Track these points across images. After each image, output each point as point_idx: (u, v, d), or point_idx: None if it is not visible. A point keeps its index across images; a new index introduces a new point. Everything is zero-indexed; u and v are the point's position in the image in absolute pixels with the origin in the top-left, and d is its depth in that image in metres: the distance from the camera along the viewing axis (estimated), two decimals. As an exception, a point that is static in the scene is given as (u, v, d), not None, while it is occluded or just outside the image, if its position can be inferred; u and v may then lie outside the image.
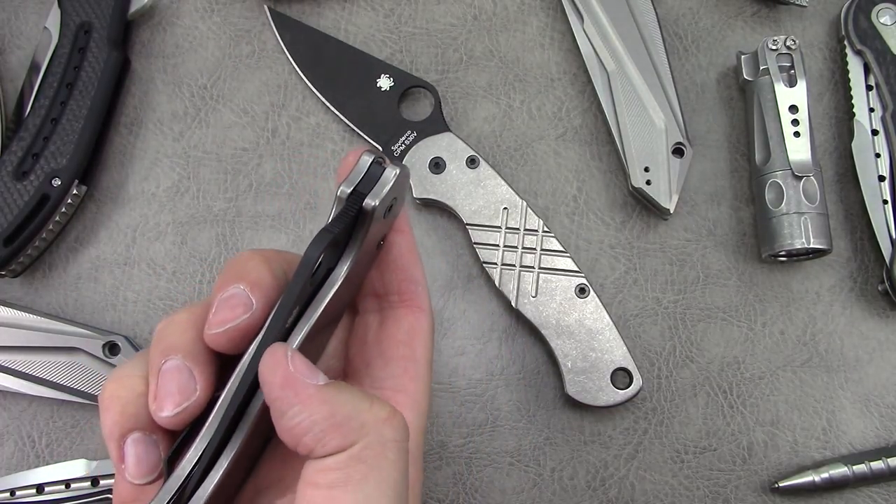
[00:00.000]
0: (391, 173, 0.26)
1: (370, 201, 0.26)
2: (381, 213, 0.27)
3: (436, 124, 0.50)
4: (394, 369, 0.30)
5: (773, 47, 0.48)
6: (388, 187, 0.26)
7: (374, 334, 0.31)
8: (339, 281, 0.26)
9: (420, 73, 0.52)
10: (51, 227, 0.48)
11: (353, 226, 0.27)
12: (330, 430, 0.23)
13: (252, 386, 0.25)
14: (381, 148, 0.50)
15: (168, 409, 0.25)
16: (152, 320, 0.50)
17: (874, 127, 0.49)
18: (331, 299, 0.26)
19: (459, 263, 0.50)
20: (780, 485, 0.46)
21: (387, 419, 0.24)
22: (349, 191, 0.26)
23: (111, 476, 0.46)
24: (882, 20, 0.50)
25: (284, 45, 0.52)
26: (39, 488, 0.46)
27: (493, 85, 0.53)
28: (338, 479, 0.23)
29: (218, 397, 0.25)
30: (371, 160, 0.26)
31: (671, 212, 0.48)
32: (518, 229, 0.48)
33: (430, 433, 0.48)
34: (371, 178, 0.26)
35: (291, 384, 0.23)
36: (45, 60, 0.50)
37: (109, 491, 0.46)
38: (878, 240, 0.48)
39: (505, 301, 0.48)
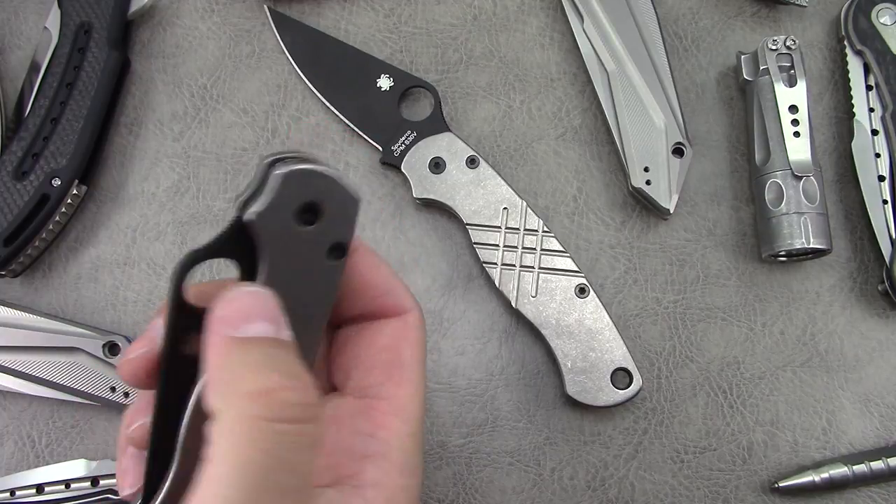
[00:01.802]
0: (277, 175, 0.23)
1: (250, 211, 0.23)
2: (277, 224, 0.24)
3: (436, 124, 0.50)
4: (377, 377, 0.28)
5: (773, 47, 0.48)
6: (270, 195, 0.23)
7: (353, 345, 0.30)
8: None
9: (420, 73, 0.52)
10: (51, 227, 0.48)
11: (238, 240, 0.24)
12: (209, 386, 0.23)
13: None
14: (381, 148, 0.50)
15: (126, 490, 0.26)
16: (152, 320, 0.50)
17: (874, 127, 0.49)
18: None
19: (459, 263, 0.50)
20: (780, 485, 0.46)
21: (254, 394, 0.22)
22: (239, 200, 0.24)
23: (111, 476, 0.46)
24: (882, 20, 0.50)
25: (284, 45, 0.52)
26: (39, 488, 0.46)
27: (493, 85, 0.53)
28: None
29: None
30: (265, 162, 0.23)
31: (671, 212, 0.48)
32: (518, 229, 0.48)
33: (430, 433, 0.48)
34: (261, 185, 0.23)
35: (216, 328, 0.23)
36: (45, 60, 0.50)
37: (109, 491, 0.46)
38: (878, 240, 0.48)
39: (505, 301, 0.48)
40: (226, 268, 0.50)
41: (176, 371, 0.24)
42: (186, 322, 0.24)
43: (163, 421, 0.24)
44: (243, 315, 0.23)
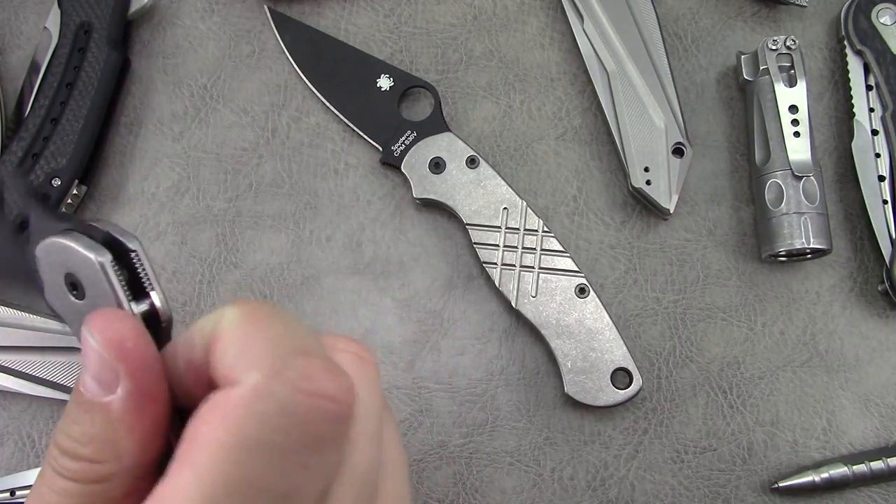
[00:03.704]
0: (38, 249, 0.22)
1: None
2: (59, 300, 0.23)
3: (436, 124, 0.50)
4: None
5: (773, 47, 0.48)
6: (42, 272, 0.22)
7: None
8: None
9: (420, 73, 0.52)
10: (51, 227, 0.48)
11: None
12: None
13: None
14: (381, 148, 0.50)
15: None
16: (152, 320, 0.50)
17: (874, 127, 0.49)
18: None
19: (459, 263, 0.50)
20: (780, 485, 0.46)
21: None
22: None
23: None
24: (882, 20, 0.50)
25: (284, 45, 0.52)
26: (39, 488, 0.46)
27: (493, 85, 0.53)
28: None
29: None
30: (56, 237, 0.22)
31: (671, 212, 0.48)
32: (518, 229, 0.48)
33: (430, 433, 0.48)
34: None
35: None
36: (45, 60, 0.50)
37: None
38: (878, 240, 0.48)
39: (505, 301, 0.48)
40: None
41: None
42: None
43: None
44: (84, 363, 0.21)
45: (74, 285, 0.22)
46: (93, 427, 0.21)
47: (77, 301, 0.22)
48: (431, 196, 0.49)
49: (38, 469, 0.46)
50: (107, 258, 0.21)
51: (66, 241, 0.22)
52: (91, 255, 0.21)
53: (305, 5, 0.54)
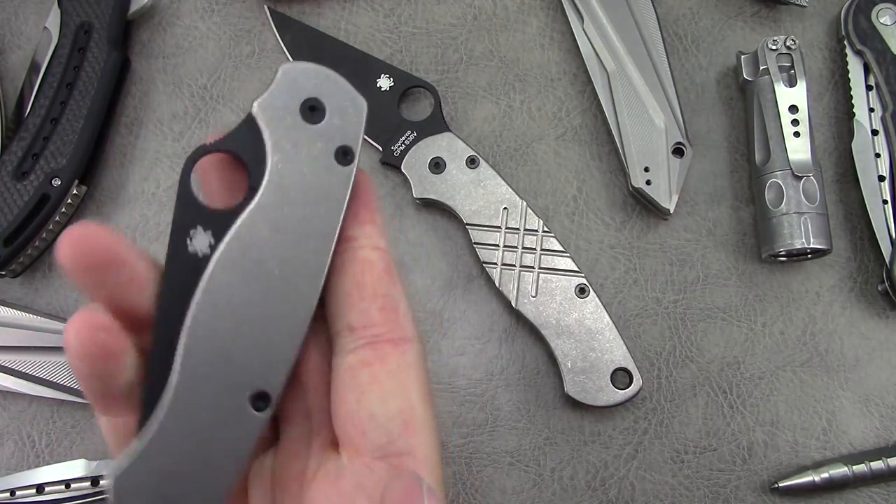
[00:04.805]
0: (280, 70, 0.25)
1: (255, 102, 0.25)
2: (281, 116, 0.25)
3: (436, 124, 0.50)
4: (393, 430, 0.25)
5: (773, 47, 0.48)
6: (273, 86, 0.25)
7: (354, 389, 0.26)
8: (255, 199, 0.24)
9: (420, 73, 0.52)
10: (51, 227, 0.48)
11: (246, 137, 0.25)
12: None
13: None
14: (381, 148, 0.50)
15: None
16: (152, 320, 0.50)
17: (874, 127, 0.49)
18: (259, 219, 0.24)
19: (459, 263, 0.50)
20: (780, 485, 0.46)
21: None
22: (254, 101, 0.25)
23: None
24: (882, 20, 0.50)
25: (284, 45, 0.52)
26: (39, 488, 0.46)
27: (493, 85, 0.53)
28: None
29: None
30: (282, 68, 0.25)
31: (671, 212, 0.48)
32: (518, 229, 0.48)
33: (430, 433, 0.48)
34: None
35: None
36: (45, 60, 0.50)
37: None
38: (878, 240, 0.48)
39: (505, 301, 0.48)
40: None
41: (181, 269, 0.24)
42: (193, 217, 0.24)
43: (165, 324, 0.24)
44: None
45: (314, 111, 0.25)
46: None
47: (307, 123, 0.25)
48: (431, 196, 0.49)
49: (38, 469, 0.46)
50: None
51: (335, 76, 0.26)
52: (360, 98, 0.26)
53: (305, 5, 0.54)
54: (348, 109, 0.26)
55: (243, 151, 0.25)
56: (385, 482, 0.25)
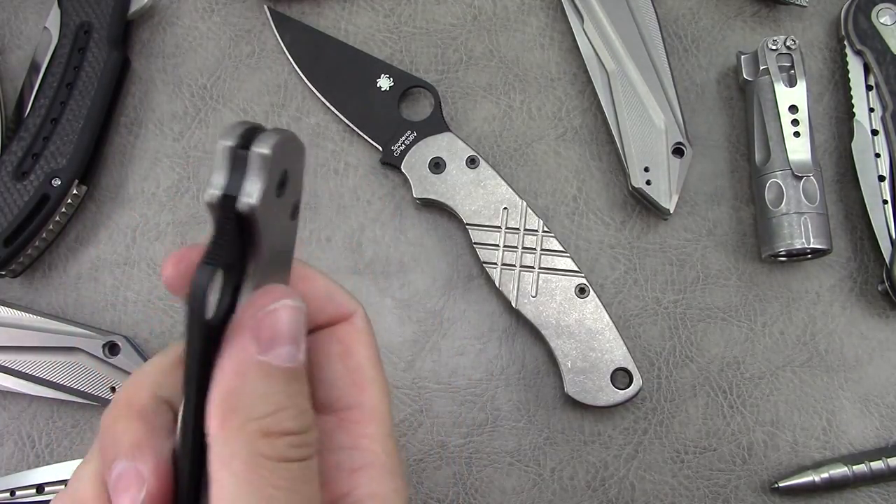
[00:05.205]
0: (257, 156, 0.21)
1: (245, 201, 0.21)
2: (269, 203, 0.22)
3: (436, 124, 0.50)
4: (341, 387, 0.27)
5: (773, 47, 0.48)
6: (260, 177, 0.21)
7: (308, 363, 0.26)
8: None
9: (420, 73, 0.52)
10: (51, 227, 0.48)
11: (238, 235, 0.22)
12: (215, 406, 0.22)
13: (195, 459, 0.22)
14: (381, 148, 0.50)
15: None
16: (152, 320, 0.50)
17: (874, 127, 0.49)
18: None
19: (459, 263, 0.50)
20: (780, 485, 0.46)
21: (263, 432, 0.21)
22: (219, 194, 0.21)
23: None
24: (882, 20, 0.50)
25: (284, 45, 0.52)
26: (39, 488, 0.46)
27: (493, 85, 0.53)
28: None
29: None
30: (227, 146, 0.21)
31: (671, 212, 0.48)
32: (518, 229, 0.48)
33: (430, 433, 0.48)
34: (238, 168, 0.21)
35: (243, 343, 0.22)
36: (45, 60, 0.50)
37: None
38: (878, 240, 0.48)
39: (505, 301, 0.48)
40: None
41: (204, 389, 0.22)
42: (213, 342, 0.22)
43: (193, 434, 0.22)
44: (275, 335, 0.22)
45: (283, 182, 0.23)
46: (293, 398, 0.22)
47: (280, 198, 0.23)
48: (431, 196, 0.49)
49: (38, 469, 0.46)
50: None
51: (296, 138, 0.23)
52: (302, 146, 0.24)
53: (305, 5, 0.54)
54: (300, 165, 0.24)
55: (229, 257, 0.22)
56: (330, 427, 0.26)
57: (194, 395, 0.22)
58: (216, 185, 0.21)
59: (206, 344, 0.21)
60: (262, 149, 0.21)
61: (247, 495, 0.20)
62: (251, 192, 0.21)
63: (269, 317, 0.22)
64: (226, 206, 0.21)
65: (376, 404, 0.27)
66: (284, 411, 0.22)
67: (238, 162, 0.21)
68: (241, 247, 0.22)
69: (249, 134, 0.22)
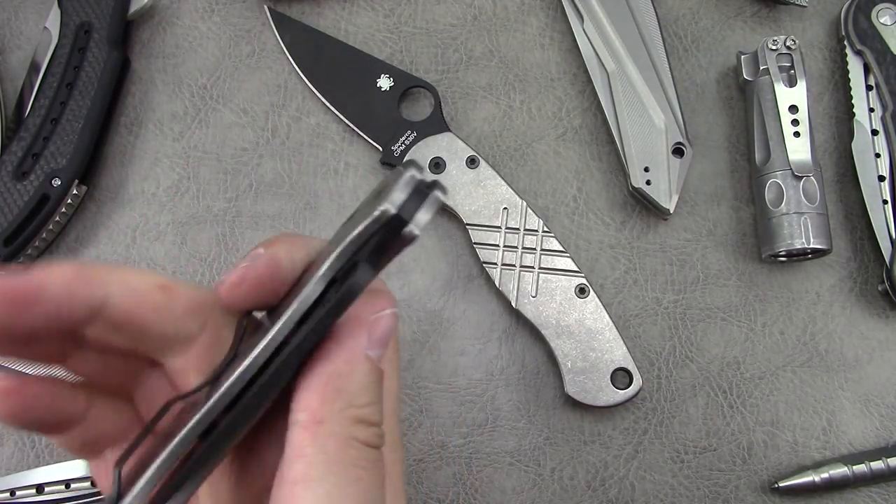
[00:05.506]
0: (436, 198, 0.23)
1: (413, 227, 0.23)
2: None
3: (436, 124, 0.50)
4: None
5: (773, 47, 0.48)
6: (430, 213, 0.23)
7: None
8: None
9: (420, 73, 0.52)
10: (51, 227, 0.48)
11: (383, 249, 0.24)
12: (322, 387, 0.24)
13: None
14: (381, 148, 0.50)
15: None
16: (152, 320, 0.50)
17: (874, 127, 0.49)
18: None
19: (459, 263, 0.50)
20: (780, 485, 0.46)
21: (360, 419, 0.24)
22: (394, 212, 0.23)
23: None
24: (882, 20, 0.50)
25: (284, 45, 0.52)
26: (39, 488, 0.46)
27: (493, 85, 0.53)
28: None
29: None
30: (417, 177, 0.23)
31: (671, 212, 0.48)
32: (518, 229, 0.48)
33: (430, 433, 0.48)
34: (414, 200, 0.23)
35: (359, 341, 0.24)
36: (45, 60, 0.50)
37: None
38: (878, 240, 0.48)
39: (505, 301, 0.48)
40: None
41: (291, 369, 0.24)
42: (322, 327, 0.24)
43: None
44: (382, 336, 0.24)
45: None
46: (380, 395, 0.24)
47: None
48: (431, 196, 0.49)
49: (38, 469, 0.46)
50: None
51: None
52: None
53: (305, 5, 0.54)
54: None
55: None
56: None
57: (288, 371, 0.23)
58: (395, 202, 0.23)
59: (319, 324, 0.23)
60: (441, 193, 0.24)
61: (338, 472, 0.22)
62: (420, 221, 0.23)
63: (381, 319, 0.25)
64: (392, 225, 0.23)
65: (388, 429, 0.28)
66: (376, 405, 0.24)
67: (418, 195, 0.23)
68: (380, 256, 0.25)
69: (432, 183, 0.24)
